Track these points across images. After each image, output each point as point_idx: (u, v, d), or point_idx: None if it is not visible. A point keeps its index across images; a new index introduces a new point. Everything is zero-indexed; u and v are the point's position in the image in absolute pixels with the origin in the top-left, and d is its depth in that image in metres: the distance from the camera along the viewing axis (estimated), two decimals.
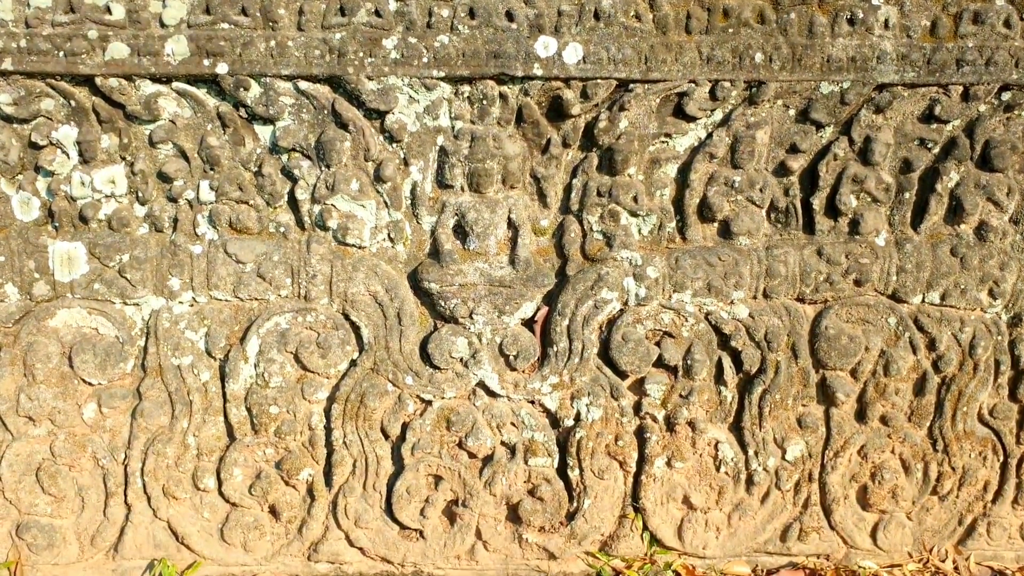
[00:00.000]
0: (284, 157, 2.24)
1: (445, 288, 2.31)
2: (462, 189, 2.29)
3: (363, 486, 2.46)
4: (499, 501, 2.49)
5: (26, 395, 2.33)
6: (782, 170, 2.31)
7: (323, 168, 2.24)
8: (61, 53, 2.08)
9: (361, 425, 2.41)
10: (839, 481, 2.51)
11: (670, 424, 2.45)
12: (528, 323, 2.40)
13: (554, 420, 2.46)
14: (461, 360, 2.38)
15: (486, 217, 2.29)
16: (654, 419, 2.45)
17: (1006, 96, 2.25)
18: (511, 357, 2.38)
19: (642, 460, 2.48)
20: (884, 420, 2.47)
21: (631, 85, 2.19)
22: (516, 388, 2.41)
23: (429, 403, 2.42)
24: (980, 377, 2.45)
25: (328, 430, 2.43)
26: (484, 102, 2.19)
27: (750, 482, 2.50)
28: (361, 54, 2.12)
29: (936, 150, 2.31)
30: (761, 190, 2.31)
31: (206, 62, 2.11)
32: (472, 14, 2.11)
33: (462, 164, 2.25)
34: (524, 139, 2.26)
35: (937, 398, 2.47)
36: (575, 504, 2.50)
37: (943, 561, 2.58)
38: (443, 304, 2.33)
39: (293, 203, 2.29)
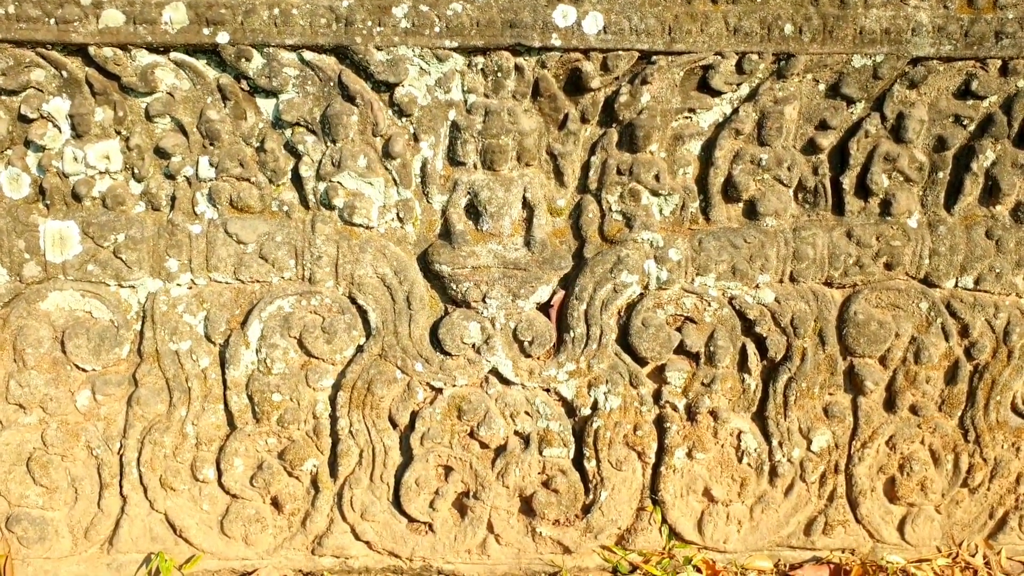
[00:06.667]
0: (288, 132, 2.16)
1: (457, 271, 2.23)
2: (475, 166, 2.22)
3: (370, 477, 2.40)
4: (512, 493, 2.43)
5: (16, 382, 2.26)
6: (811, 148, 2.24)
7: (329, 143, 2.16)
8: (52, 20, 2.00)
9: (368, 414, 2.34)
10: (866, 473, 2.45)
11: (691, 413, 2.38)
12: (544, 308, 2.33)
13: (570, 409, 2.39)
14: (473, 346, 2.30)
15: (500, 196, 2.21)
16: (674, 408, 2.39)
17: None
18: (526, 343, 2.30)
19: (661, 451, 2.42)
20: (914, 409, 2.41)
21: (654, 57, 2.12)
22: (531, 375, 2.34)
23: (439, 391, 2.35)
24: (1015, 365, 2.39)
25: (333, 419, 2.36)
26: (499, 74, 2.11)
27: (774, 474, 2.44)
28: (369, 23, 2.04)
29: (972, 127, 2.25)
30: (789, 168, 2.24)
31: (206, 31, 2.03)
32: None
33: (475, 140, 2.18)
34: (540, 114, 2.19)
35: (969, 387, 2.41)
36: (591, 496, 2.44)
37: (973, 556, 2.54)
38: (455, 287, 2.25)
39: (297, 180, 2.21)
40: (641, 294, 2.30)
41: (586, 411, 2.37)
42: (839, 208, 2.28)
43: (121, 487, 2.37)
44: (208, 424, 2.34)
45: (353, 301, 2.27)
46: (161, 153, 2.15)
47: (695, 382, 2.36)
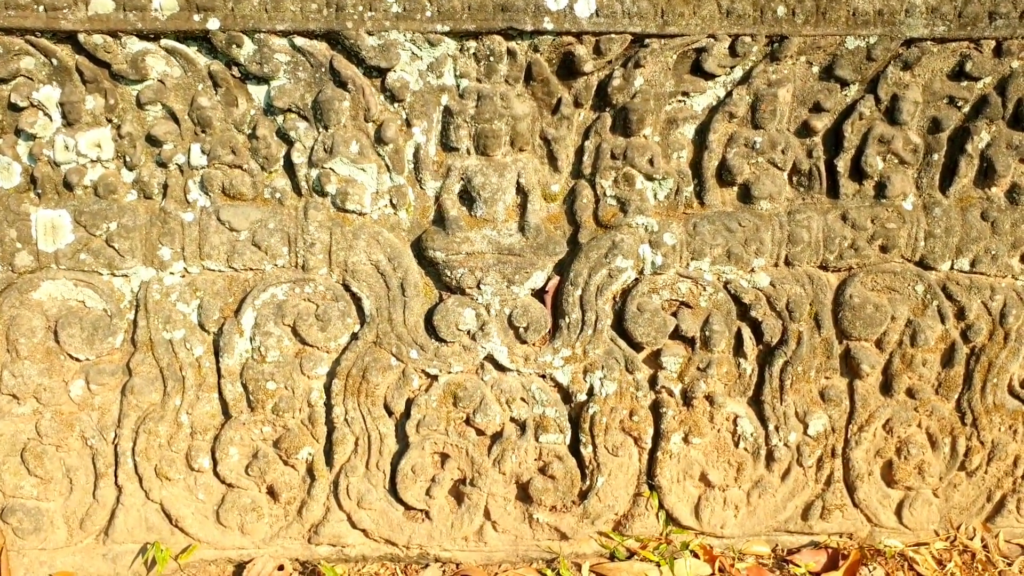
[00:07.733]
0: (279, 118, 2.15)
1: (451, 257, 2.22)
2: (468, 152, 2.20)
3: (366, 465, 2.38)
4: (508, 480, 2.42)
5: (9, 372, 2.25)
6: (805, 130, 2.23)
7: (321, 130, 2.14)
8: (41, 7, 1.98)
9: (363, 401, 2.33)
10: (863, 457, 2.44)
11: (687, 398, 2.37)
12: (539, 293, 2.32)
13: (566, 395, 2.38)
14: (468, 333, 2.29)
15: (494, 181, 2.19)
16: (670, 393, 2.37)
17: None
18: (521, 329, 2.29)
19: (658, 436, 2.41)
20: (911, 393, 2.40)
21: (647, 40, 2.10)
22: (526, 362, 2.32)
23: (435, 378, 2.33)
24: (1011, 347, 2.38)
25: (328, 407, 2.35)
26: (491, 59, 2.10)
27: (770, 458, 2.43)
28: (360, 8, 2.03)
29: (966, 109, 2.24)
30: (783, 151, 2.22)
31: (196, 17, 2.02)
32: None
33: (468, 125, 2.16)
34: (533, 98, 2.17)
35: (966, 369, 2.40)
36: (588, 482, 2.43)
37: (971, 539, 2.52)
38: (449, 274, 2.24)
39: (289, 167, 2.19)
40: (636, 279, 2.28)
41: (582, 397, 2.36)
42: (834, 191, 2.26)
43: (116, 477, 2.35)
44: (203, 413, 2.33)
45: (347, 288, 2.26)
46: (153, 141, 2.14)
47: (691, 367, 2.35)
